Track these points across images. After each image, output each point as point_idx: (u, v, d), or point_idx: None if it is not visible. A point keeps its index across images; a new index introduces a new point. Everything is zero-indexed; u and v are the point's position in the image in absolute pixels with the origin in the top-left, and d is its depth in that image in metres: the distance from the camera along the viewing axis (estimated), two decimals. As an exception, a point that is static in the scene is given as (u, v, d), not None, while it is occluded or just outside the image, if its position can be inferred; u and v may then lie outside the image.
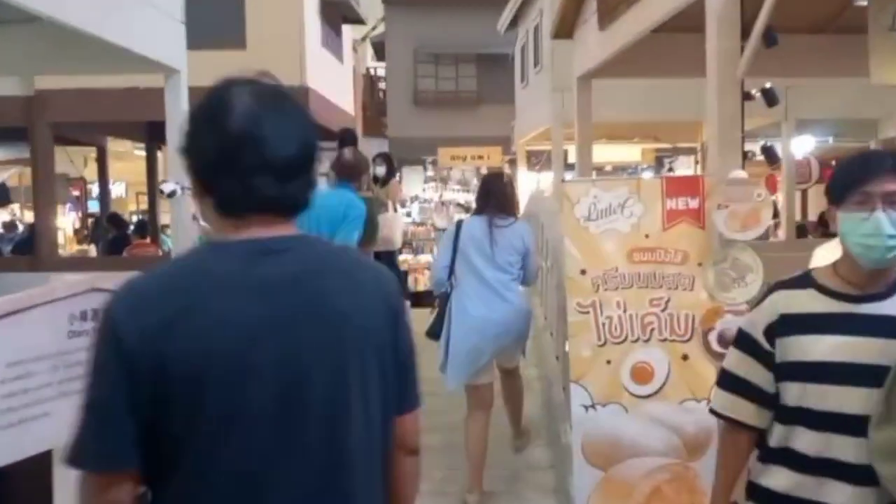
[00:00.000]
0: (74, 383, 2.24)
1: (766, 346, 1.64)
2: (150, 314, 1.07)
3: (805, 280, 1.67)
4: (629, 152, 14.57)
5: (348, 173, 4.61)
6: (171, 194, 4.28)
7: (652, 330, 3.10)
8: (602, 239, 3.13)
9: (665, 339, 3.10)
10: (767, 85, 3.67)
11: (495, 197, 4.05)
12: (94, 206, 13.25)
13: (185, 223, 4.37)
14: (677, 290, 3.10)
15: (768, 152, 3.86)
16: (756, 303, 1.73)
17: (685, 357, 3.09)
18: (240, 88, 1.17)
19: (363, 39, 20.51)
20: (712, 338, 3.08)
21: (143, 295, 1.10)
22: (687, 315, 3.09)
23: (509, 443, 4.27)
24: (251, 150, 1.12)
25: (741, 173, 3.31)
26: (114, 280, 2.47)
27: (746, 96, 3.53)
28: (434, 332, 3.99)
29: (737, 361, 1.72)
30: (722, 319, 3.08)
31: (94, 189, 12.57)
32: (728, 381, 1.73)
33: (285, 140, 1.15)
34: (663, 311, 3.09)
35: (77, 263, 8.16)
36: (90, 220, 12.67)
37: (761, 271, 3.11)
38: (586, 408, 3.06)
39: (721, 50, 3.43)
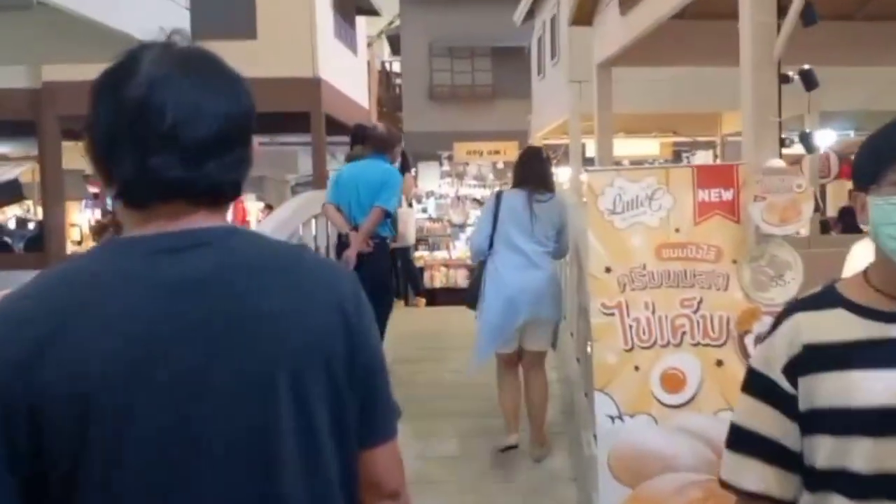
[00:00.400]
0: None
1: (788, 387, 1.23)
2: (21, 335, 0.89)
3: (830, 297, 1.26)
4: (647, 146, 14.29)
5: (381, 145, 4.84)
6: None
7: (683, 333, 2.88)
8: (628, 234, 2.92)
9: (698, 344, 2.88)
10: (806, 66, 3.40)
11: (535, 171, 4.13)
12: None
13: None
14: (710, 289, 2.89)
15: (806, 139, 3.59)
16: (768, 331, 1.31)
17: (719, 363, 2.88)
18: (147, 52, 0.98)
19: (379, 35, 20.34)
20: (749, 342, 2.88)
21: (15, 312, 0.92)
22: (721, 317, 2.88)
23: (528, 451, 4.06)
24: (149, 122, 0.94)
25: (779, 162, 3.07)
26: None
27: (784, 79, 3.26)
28: (471, 299, 4.16)
29: (749, 412, 1.27)
30: (759, 322, 2.86)
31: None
32: (740, 439, 1.28)
33: (196, 110, 0.95)
34: (695, 312, 2.88)
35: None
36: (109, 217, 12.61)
37: (801, 269, 2.89)
38: (612, 419, 2.84)
39: (756, 26, 3.17)
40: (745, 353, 2.89)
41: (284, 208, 4.86)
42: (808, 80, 3.37)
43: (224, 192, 1.00)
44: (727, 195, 2.92)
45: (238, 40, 6.69)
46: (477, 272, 4.20)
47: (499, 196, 4.17)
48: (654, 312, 2.88)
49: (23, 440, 0.88)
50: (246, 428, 0.94)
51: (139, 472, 0.90)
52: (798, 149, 4.04)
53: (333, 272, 1.07)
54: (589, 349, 3.78)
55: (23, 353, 0.88)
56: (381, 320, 4.92)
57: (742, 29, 3.28)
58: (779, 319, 1.28)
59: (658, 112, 10.67)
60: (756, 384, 1.27)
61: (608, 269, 2.91)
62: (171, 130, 0.94)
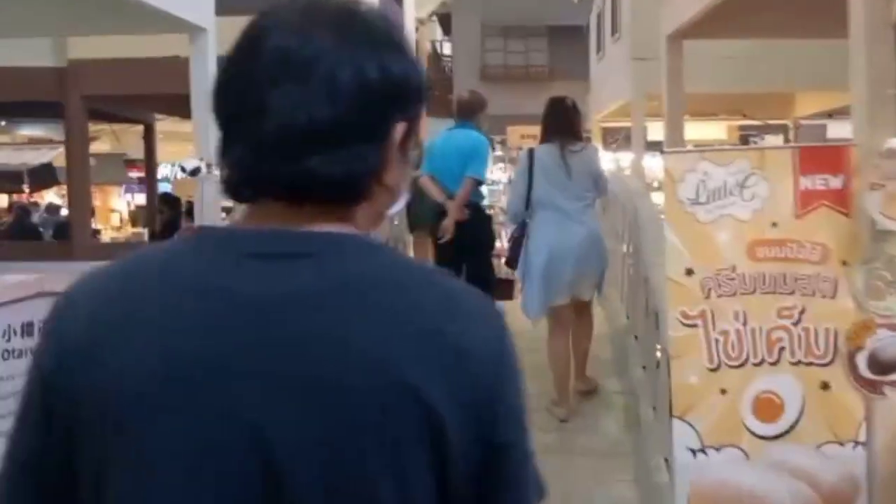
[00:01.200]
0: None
1: None
2: (74, 330, 0.75)
3: None
4: (713, 130, 13.64)
5: (466, 112, 4.92)
6: (194, 172, 3.77)
7: (781, 350, 2.45)
8: (714, 228, 2.49)
9: (798, 363, 2.45)
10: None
11: (562, 122, 4.08)
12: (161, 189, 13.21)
13: (210, 207, 3.86)
14: (814, 296, 2.46)
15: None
16: None
17: (825, 386, 2.44)
18: (284, 5, 0.79)
19: (430, 17, 19.97)
20: (861, 361, 2.43)
21: (75, 302, 0.78)
22: (827, 330, 2.44)
23: (573, 387, 4.13)
24: (242, 90, 0.76)
25: (902, 142, 2.57)
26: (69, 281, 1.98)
27: (903, 43, 2.74)
28: (512, 260, 4.29)
29: None
30: (874, 336, 2.43)
31: (164, 170, 12.44)
32: None
33: (312, 84, 0.74)
34: (796, 324, 2.45)
35: (115, 249, 7.92)
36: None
37: (925, 273, 2.41)
38: (694, 451, 2.40)
39: (872, -18, 2.65)
40: (855, 375, 2.45)
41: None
42: (935, 43, 2.81)
43: (338, 190, 0.76)
44: (836, 182, 2.47)
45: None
46: (517, 234, 4.24)
47: (531, 153, 4.13)
48: (745, 324, 2.45)
49: (61, 446, 0.75)
50: None
51: None
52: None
53: (471, 310, 0.78)
54: (658, 356, 3.38)
55: (79, 344, 0.75)
56: (489, 281, 5.02)
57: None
58: None
59: (725, 92, 10.09)
60: None
61: (689, 272, 2.47)
62: (272, 111, 0.73)
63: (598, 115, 13.13)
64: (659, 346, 3.31)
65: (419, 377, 0.72)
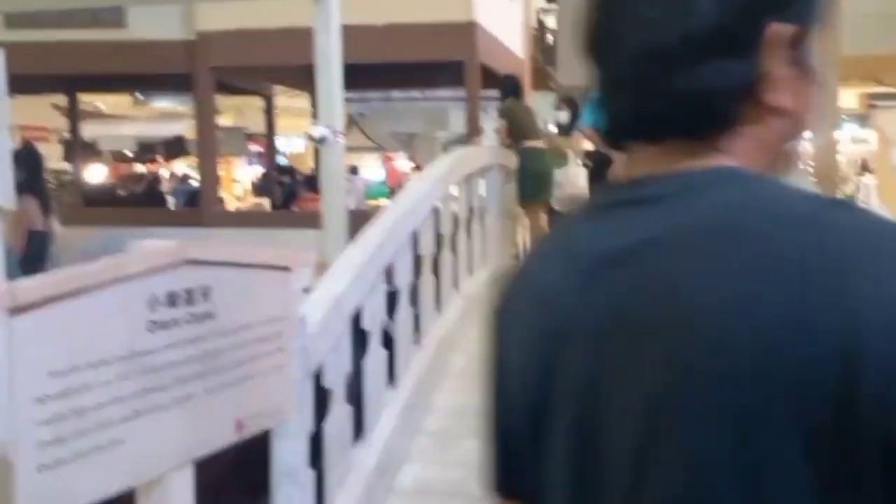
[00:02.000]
0: (159, 395, 1.62)
1: None
2: (503, 298, 0.79)
3: None
4: (843, 98, 12.62)
5: None
6: (321, 140, 3.68)
7: None
8: None
9: None
10: None
11: None
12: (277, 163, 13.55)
13: (334, 174, 3.76)
14: None
15: None
16: None
17: None
18: None
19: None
20: None
21: (517, 271, 0.81)
22: None
23: None
24: (599, 35, 0.70)
25: None
26: (215, 249, 1.83)
27: None
28: None
29: None
30: None
31: (280, 143, 12.66)
32: None
33: None
34: None
35: (239, 217, 8.06)
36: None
37: None
38: None
39: None
40: None
41: (438, 165, 4.35)
42: None
43: (683, 119, 0.66)
44: None
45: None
46: None
47: None
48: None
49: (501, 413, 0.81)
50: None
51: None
52: None
53: (882, 259, 0.58)
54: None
55: (495, 320, 0.79)
56: None
57: None
58: None
59: (860, 55, 9.23)
60: None
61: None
62: (620, 32, 0.68)
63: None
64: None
65: (782, 344, 0.57)
